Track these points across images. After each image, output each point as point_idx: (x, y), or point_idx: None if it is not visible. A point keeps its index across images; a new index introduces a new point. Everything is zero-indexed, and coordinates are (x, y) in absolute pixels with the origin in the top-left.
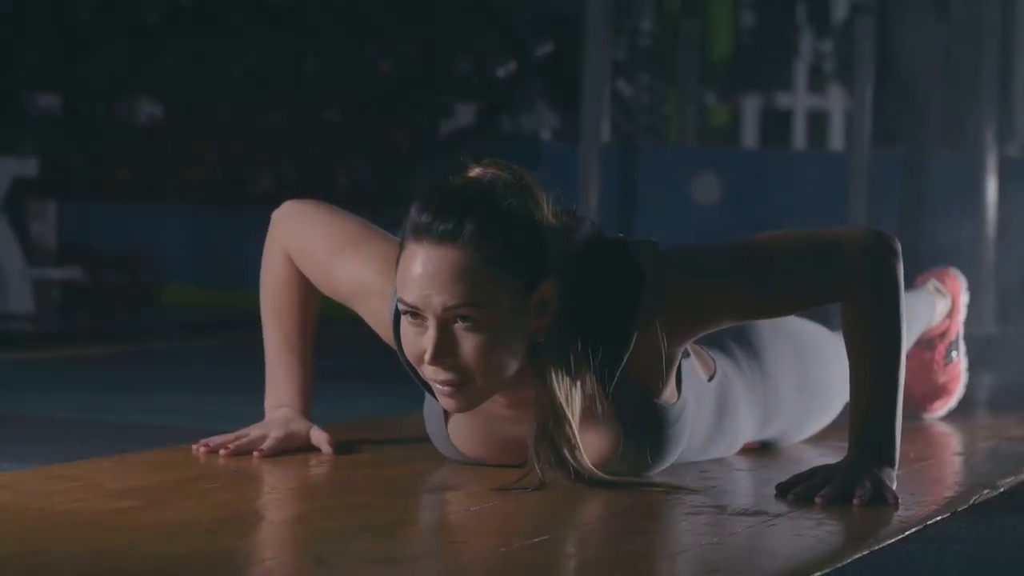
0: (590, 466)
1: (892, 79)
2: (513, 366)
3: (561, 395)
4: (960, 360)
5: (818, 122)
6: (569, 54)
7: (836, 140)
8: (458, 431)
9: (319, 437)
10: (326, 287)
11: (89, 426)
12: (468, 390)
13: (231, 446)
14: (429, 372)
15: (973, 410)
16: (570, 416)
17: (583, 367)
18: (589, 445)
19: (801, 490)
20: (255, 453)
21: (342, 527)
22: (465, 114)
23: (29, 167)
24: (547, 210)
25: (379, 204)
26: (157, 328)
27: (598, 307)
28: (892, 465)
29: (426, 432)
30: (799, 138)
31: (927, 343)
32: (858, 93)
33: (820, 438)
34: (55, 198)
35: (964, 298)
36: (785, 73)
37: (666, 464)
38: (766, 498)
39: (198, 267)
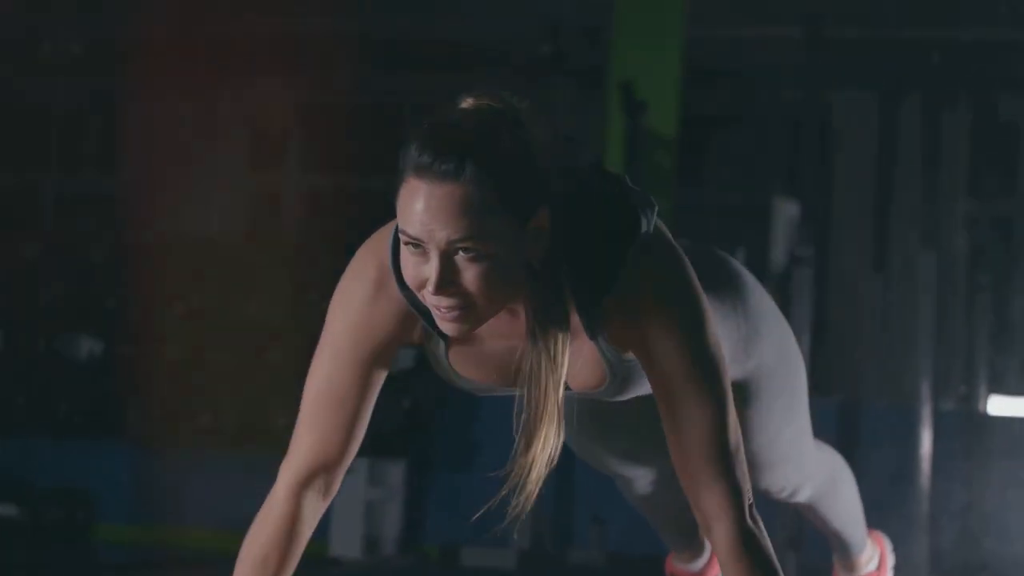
0: (560, 383)
1: (829, 328)
2: (512, 290)
3: (549, 318)
4: None
5: None
6: None
7: None
8: (456, 355)
9: None
10: (348, 372)
11: None
12: (468, 314)
13: None
14: (431, 299)
15: None
16: (556, 338)
17: (569, 298)
18: (579, 373)
19: None
20: None
21: None
22: (404, 358)
23: None
24: (542, 138)
25: None
26: (93, 565)
27: (587, 244)
28: None
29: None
30: None
31: None
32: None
33: None
34: None
35: (890, 559)
36: None
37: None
38: None
39: (135, 505)
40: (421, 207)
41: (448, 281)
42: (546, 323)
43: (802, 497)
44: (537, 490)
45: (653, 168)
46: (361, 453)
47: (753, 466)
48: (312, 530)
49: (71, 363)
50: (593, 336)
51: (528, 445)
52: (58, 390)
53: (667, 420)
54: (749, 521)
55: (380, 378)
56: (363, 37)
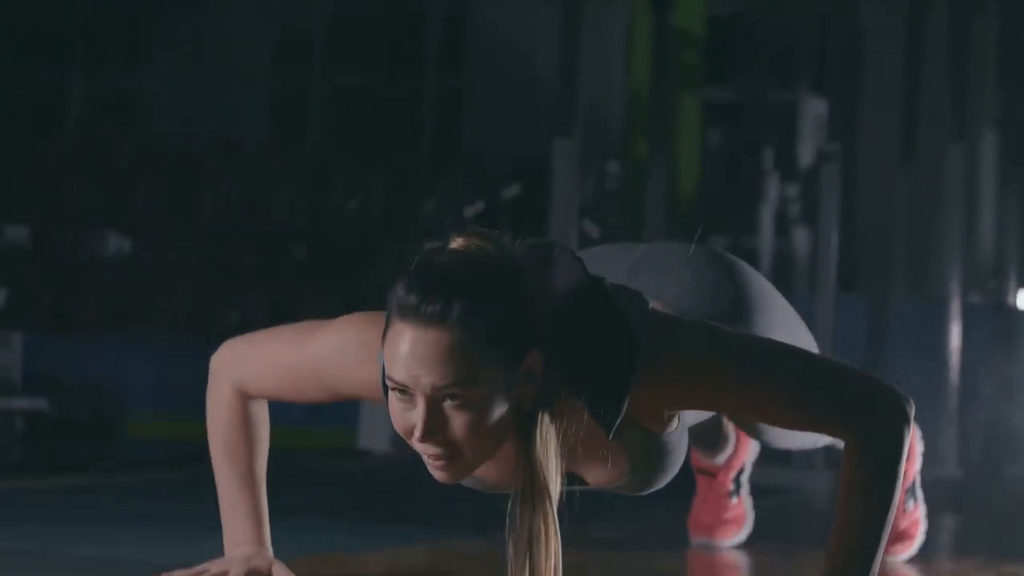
0: (554, 542)
1: (857, 224)
2: (502, 437)
3: (542, 459)
4: (919, 506)
5: (784, 265)
6: (536, 195)
7: (801, 284)
8: None
9: (280, 574)
10: (303, 385)
11: (50, 558)
12: (457, 463)
13: None
14: (419, 447)
15: (935, 553)
16: (548, 483)
17: (573, 416)
18: (595, 473)
19: None
20: None
21: None
22: None
23: None
24: (534, 278)
25: None
26: (121, 460)
27: (587, 369)
28: None
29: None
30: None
31: None
32: (823, 237)
33: None
34: (21, 329)
35: (919, 446)
36: (751, 216)
37: (674, 473)
38: None
39: (163, 400)
40: (407, 352)
41: (434, 429)
42: (537, 466)
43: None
44: None
45: (680, 66)
46: None
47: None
48: (266, 409)
49: (99, 260)
50: (618, 436)
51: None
52: (86, 288)
53: (764, 423)
54: (876, 429)
55: (326, 401)
56: None
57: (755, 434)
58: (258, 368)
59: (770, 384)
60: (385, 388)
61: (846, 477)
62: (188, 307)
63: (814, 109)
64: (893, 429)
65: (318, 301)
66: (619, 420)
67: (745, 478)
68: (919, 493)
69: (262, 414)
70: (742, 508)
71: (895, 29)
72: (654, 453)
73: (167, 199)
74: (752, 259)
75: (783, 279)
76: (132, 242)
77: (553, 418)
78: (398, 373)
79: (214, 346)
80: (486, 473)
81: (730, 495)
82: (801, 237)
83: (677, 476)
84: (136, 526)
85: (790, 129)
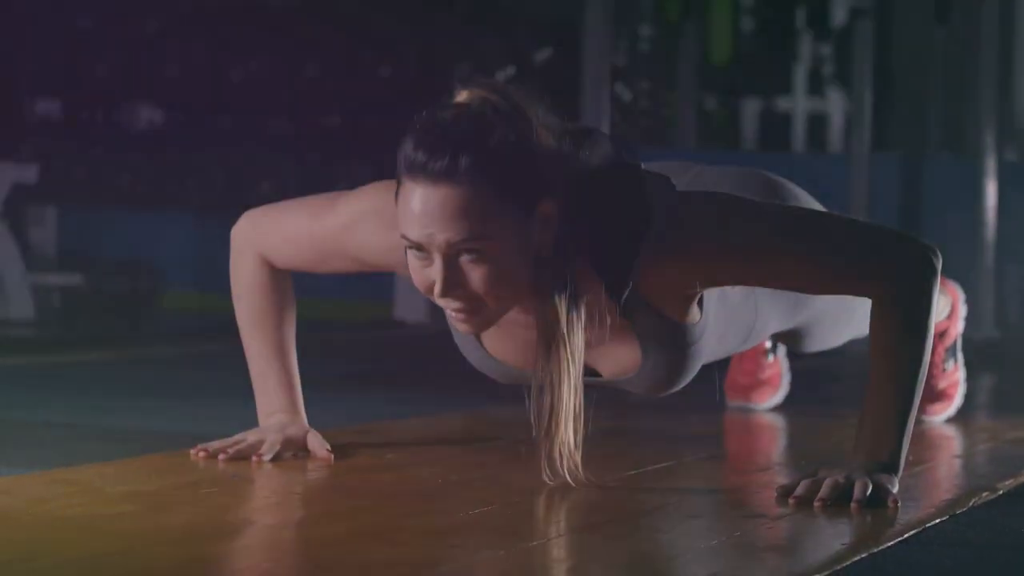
0: (571, 390)
1: (891, 82)
2: (521, 286)
3: (561, 310)
4: (959, 368)
5: (817, 125)
6: (569, 59)
7: (836, 143)
8: (490, 340)
9: (315, 442)
10: (328, 255)
11: (89, 431)
12: (480, 315)
13: (230, 451)
14: (440, 302)
15: (972, 412)
16: (566, 330)
17: (588, 284)
18: (611, 357)
19: (802, 492)
20: (253, 458)
21: (340, 532)
22: None
23: (29, 173)
24: (540, 125)
25: None
26: (157, 334)
27: (601, 232)
28: (896, 471)
29: (419, 438)
30: (798, 141)
31: None
32: (857, 96)
33: (835, 443)
34: (55, 204)
35: (962, 309)
36: (784, 77)
37: (687, 379)
38: (767, 500)
39: (199, 273)
40: (418, 210)
41: (454, 284)
42: (557, 317)
43: None
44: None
45: None
46: None
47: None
48: (290, 280)
49: (130, 133)
50: (629, 316)
51: (553, 438)
52: (119, 160)
53: (796, 291)
54: (905, 280)
55: (348, 272)
56: None
57: (799, 348)
58: (281, 240)
59: (791, 247)
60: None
61: (876, 332)
62: (221, 178)
63: None
64: (921, 280)
65: (350, 170)
66: (627, 289)
67: None
68: (959, 355)
69: (287, 283)
70: (778, 368)
71: None
72: (667, 341)
73: (197, 69)
74: (786, 120)
75: (817, 139)
76: (163, 114)
77: (569, 266)
78: (412, 232)
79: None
80: (511, 358)
81: (767, 353)
82: (835, 97)
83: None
84: (173, 398)
85: None
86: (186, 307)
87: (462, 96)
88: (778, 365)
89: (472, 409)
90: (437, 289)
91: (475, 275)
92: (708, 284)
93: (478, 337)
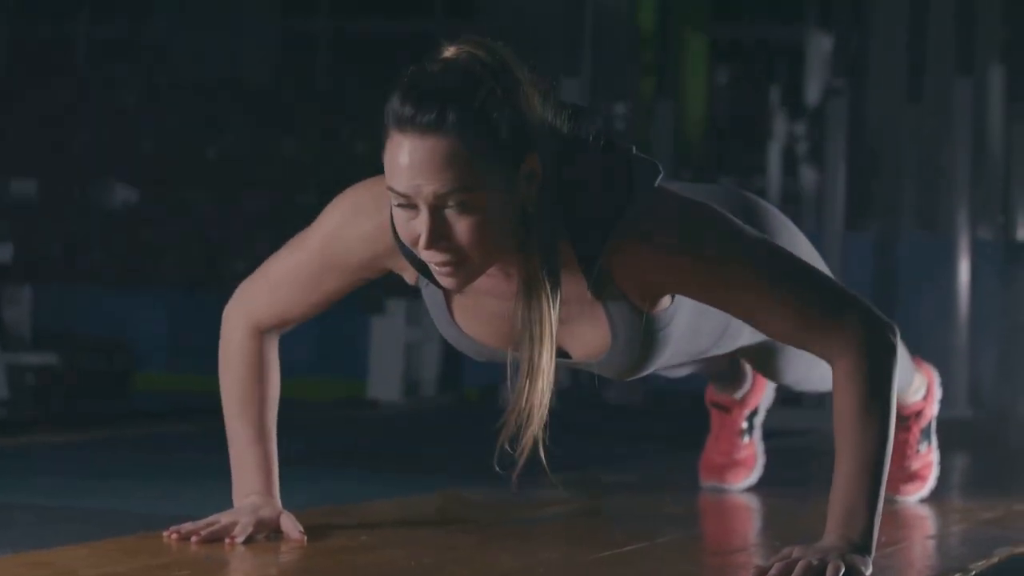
0: (551, 345)
1: (865, 161)
2: (506, 240)
3: (542, 268)
4: (933, 449)
5: (792, 203)
6: None
7: (809, 222)
8: (462, 314)
9: (288, 524)
10: (320, 278)
11: (63, 512)
12: (465, 268)
13: (203, 533)
14: (425, 256)
15: (946, 493)
16: (547, 290)
17: (564, 257)
18: (581, 337)
19: (776, 573)
20: (227, 540)
21: None
22: None
23: (3, 252)
24: (527, 84)
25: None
26: (132, 414)
27: (581, 200)
28: (868, 552)
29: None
30: None
31: (901, 422)
32: (830, 173)
33: (810, 524)
34: (30, 283)
35: (938, 391)
36: (758, 155)
37: (656, 363)
38: None
39: (172, 352)
40: (406, 162)
41: (440, 236)
42: (538, 271)
43: None
44: (536, 436)
45: (686, 4)
46: (399, 294)
47: (791, 386)
48: (276, 352)
49: (106, 211)
50: (598, 294)
51: (523, 397)
52: (94, 238)
53: (757, 327)
54: (864, 352)
55: (361, 284)
56: None
57: (771, 374)
58: (269, 289)
59: (756, 277)
60: (396, 235)
61: (839, 410)
62: (196, 257)
63: (821, 45)
64: (882, 354)
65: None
66: (598, 263)
67: (759, 421)
68: (934, 437)
69: (274, 358)
70: (753, 450)
71: None
72: (636, 325)
73: (173, 147)
74: (760, 197)
75: (791, 217)
76: (139, 192)
77: (550, 226)
78: (399, 184)
79: (223, 296)
80: (484, 336)
81: (742, 434)
82: (809, 175)
83: (690, 423)
84: (146, 479)
85: (797, 66)
86: (159, 387)
87: (450, 52)
88: (753, 446)
89: (445, 490)
90: (423, 241)
91: (461, 227)
92: (664, 283)
93: (452, 316)
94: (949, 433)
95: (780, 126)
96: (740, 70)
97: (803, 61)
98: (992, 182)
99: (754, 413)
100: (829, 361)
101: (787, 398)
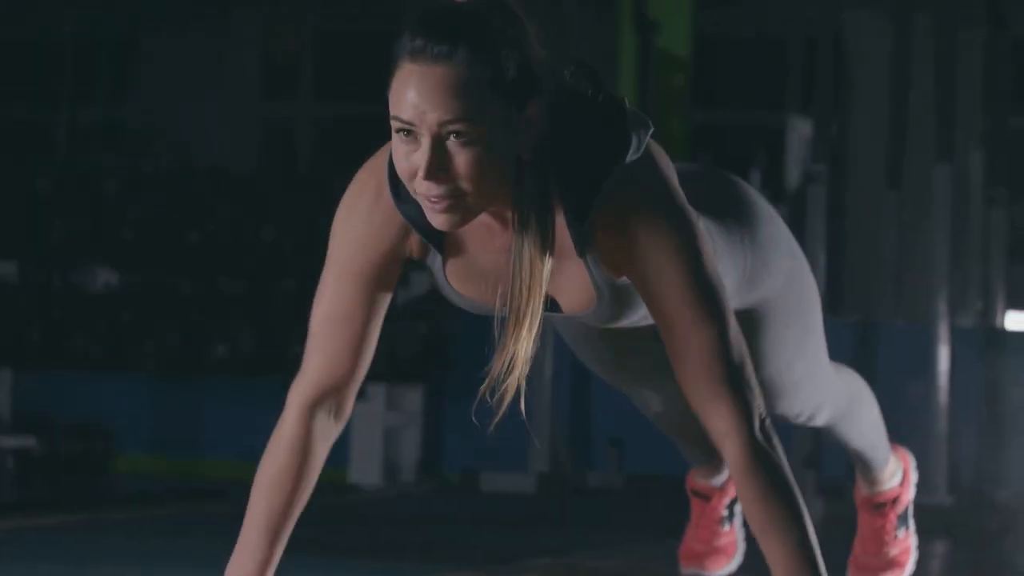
0: (539, 293)
1: (844, 248)
2: (502, 181)
3: (534, 215)
4: (911, 534)
5: None
6: None
7: None
8: (455, 274)
9: None
10: (364, 286)
11: None
12: (459, 205)
13: None
14: (422, 188)
15: None
16: (538, 238)
17: (555, 211)
18: (570, 292)
19: None
20: None
21: None
22: (419, 284)
23: None
24: (534, 35)
25: None
26: (112, 498)
27: (576, 152)
28: None
29: None
30: None
31: (877, 509)
32: (810, 258)
33: None
34: (10, 366)
35: (914, 476)
36: None
37: (634, 316)
38: None
39: (153, 436)
40: (413, 90)
41: (439, 167)
42: (531, 217)
43: (820, 421)
44: (515, 390)
45: (666, 88)
46: (379, 379)
47: (767, 394)
48: (326, 452)
49: (86, 295)
50: (582, 253)
51: (508, 341)
52: (74, 323)
53: (668, 342)
54: (760, 437)
55: (385, 298)
56: None
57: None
58: (313, 348)
59: (694, 299)
60: (391, 184)
61: (750, 509)
62: (177, 342)
63: (801, 130)
64: (770, 436)
65: (306, 333)
66: (588, 218)
67: (739, 508)
68: (911, 522)
69: (320, 450)
70: (733, 537)
71: (881, 51)
72: (614, 288)
73: (154, 232)
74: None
75: None
76: (120, 276)
77: (545, 174)
78: (404, 111)
79: (202, 381)
80: (471, 291)
81: (722, 522)
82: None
83: (670, 510)
84: (125, 564)
85: (777, 151)
86: (139, 470)
87: None
88: (733, 533)
89: (428, 575)
90: (422, 171)
91: (460, 159)
92: (629, 248)
93: (444, 271)
94: (929, 520)
95: None
96: (720, 155)
97: (783, 146)
98: (971, 269)
99: (734, 501)
100: (719, 433)
101: None
